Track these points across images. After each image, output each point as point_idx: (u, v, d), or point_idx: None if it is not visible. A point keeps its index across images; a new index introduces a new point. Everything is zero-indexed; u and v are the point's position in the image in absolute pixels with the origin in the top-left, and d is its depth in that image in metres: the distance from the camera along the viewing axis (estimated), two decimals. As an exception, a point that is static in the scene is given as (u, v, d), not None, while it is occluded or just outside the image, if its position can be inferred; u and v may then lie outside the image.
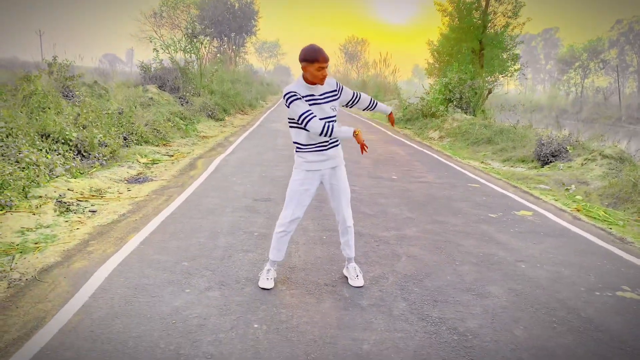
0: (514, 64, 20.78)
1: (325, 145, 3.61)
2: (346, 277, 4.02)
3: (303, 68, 3.44)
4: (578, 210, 7.03)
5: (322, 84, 3.49)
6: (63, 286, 3.72)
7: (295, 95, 3.41)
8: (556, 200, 7.67)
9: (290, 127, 3.61)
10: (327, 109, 3.53)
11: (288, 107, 3.46)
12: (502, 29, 19.01)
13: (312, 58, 3.37)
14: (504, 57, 20.45)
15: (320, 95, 3.53)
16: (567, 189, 8.53)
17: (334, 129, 3.36)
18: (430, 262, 4.52)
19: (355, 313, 3.45)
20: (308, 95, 3.47)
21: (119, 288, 3.68)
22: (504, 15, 18.93)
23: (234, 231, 5.19)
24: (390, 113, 4.04)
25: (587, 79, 66.70)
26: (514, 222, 6.08)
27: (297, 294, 3.73)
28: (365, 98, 3.89)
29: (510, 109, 18.45)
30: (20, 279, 3.85)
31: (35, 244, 4.68)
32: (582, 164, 9.93)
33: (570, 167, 10.05)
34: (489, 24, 19.04)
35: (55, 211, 5.71)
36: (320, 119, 3.45)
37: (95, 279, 3.83)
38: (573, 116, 41.13)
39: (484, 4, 18.75)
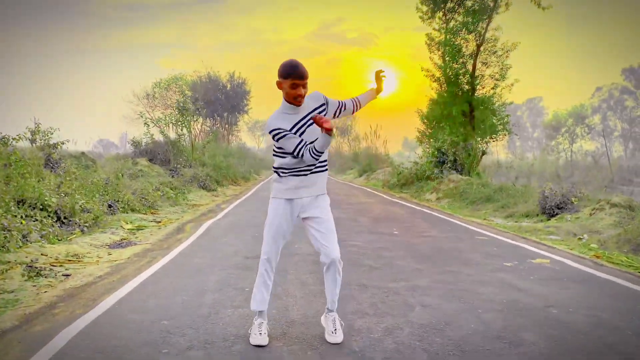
0: (504, 128, 20.73)
1: (310, 170, 3.19)
2: (336, 330, 3.28)
3: (278, 85, 3.08)
4: (597, 257, 6.49)
5: (298, 105, 3.09)
6: (15, 352, 3.10)
7: (280, 131, 3.05)
8: (571, 249, 7.13)
9: (275, 155, 3.21)
10: (317, 129, 3.11)
11: (276, 142, 3.12)
12: (491, 91, 19.18)
13: (286, 73, 3.00)
14: (494, 121, 20.47)
15: (307, 115, 3.15)
16: (579, 239, 8.02)
17: (317, 147, 3.02)
18: (448, 310, 3.93)
19: (368, 368, 2.84)
20: (293, 125, 3.10)
21: (83, 351, 3.07)
22: (492, 78, 19.18)
23: (222, 288, 4.59)
24: (375, 88, 3.48)
25: (575, 144, 67.71)
26: (532, 270, 5.52)
27: (297, 349, 3.11)
28: (350, 102, 3.44)
29: (507, 166, 18.21)
30: (-36, 346, 3.22)
31: (-7, 309, 4.06)
32: (590, 214, 9.47)
33: (578, 217, 9.58)
34: (478, 87, 19.23)
35: (23, 276, 5.11)
36: (313, 141, 3.08)
37: (55, 343, 3.21)
38: (566, 179, 41.13)
39: (470, 68, 19.04)
